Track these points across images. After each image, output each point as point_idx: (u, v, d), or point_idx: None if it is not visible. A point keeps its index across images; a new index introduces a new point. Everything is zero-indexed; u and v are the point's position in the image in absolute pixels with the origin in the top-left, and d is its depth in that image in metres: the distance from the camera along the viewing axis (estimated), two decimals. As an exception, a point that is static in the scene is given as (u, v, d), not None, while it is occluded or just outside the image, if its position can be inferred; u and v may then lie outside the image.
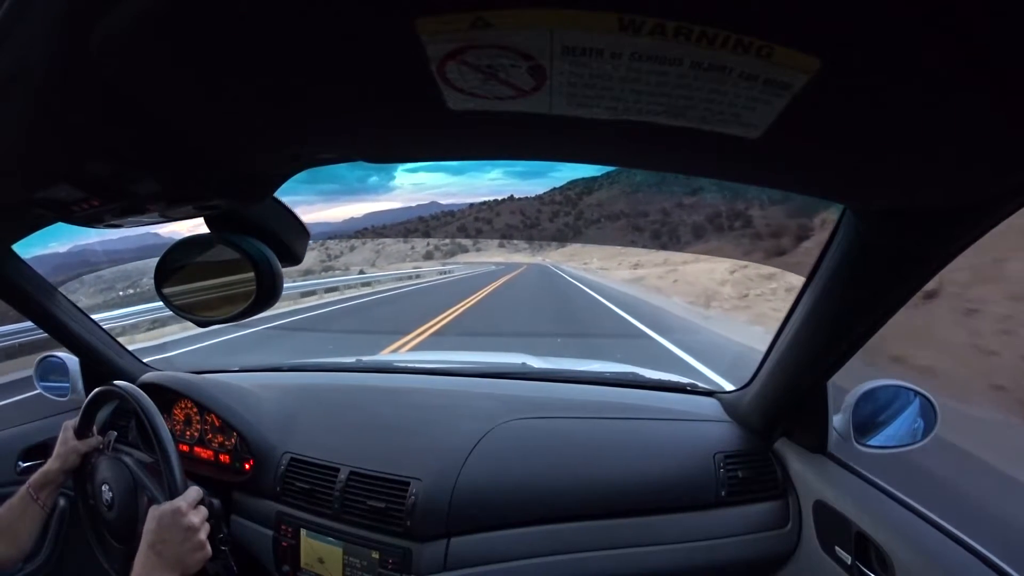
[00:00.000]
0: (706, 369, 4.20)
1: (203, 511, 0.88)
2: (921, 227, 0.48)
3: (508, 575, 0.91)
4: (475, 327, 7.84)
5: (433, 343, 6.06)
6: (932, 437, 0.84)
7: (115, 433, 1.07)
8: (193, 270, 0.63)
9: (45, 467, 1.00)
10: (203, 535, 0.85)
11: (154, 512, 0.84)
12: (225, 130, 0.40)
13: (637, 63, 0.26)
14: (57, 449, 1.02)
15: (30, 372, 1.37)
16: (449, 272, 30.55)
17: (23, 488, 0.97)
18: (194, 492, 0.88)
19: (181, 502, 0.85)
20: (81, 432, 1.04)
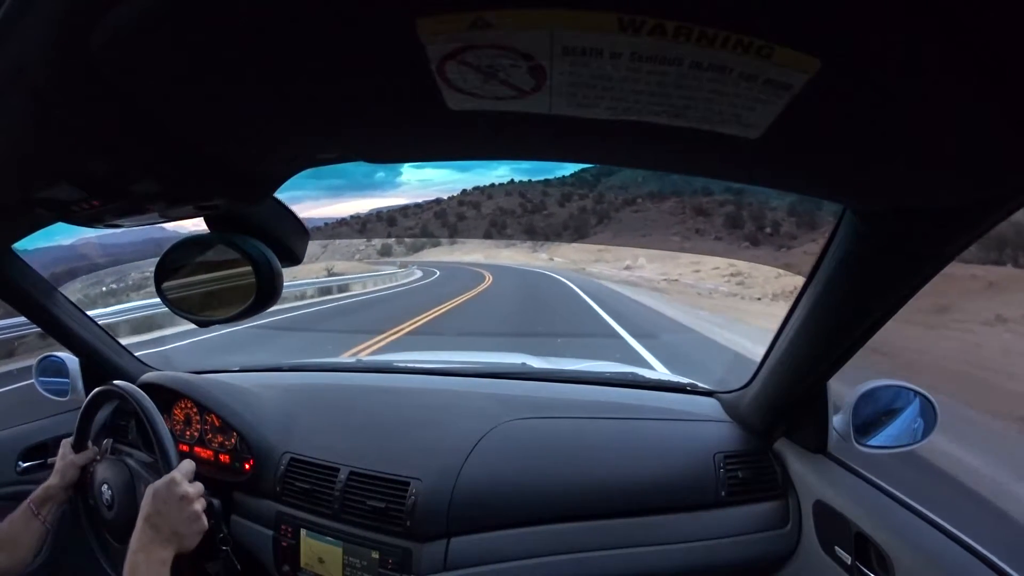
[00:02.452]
0: None
1: (199, 485, 0.88)
2: (921, 227, 0.48)
3: (508, 575, 0.91)
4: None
5: (431, 343, 5.93)
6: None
7: (111, 440, 1.08)
8: (193, 270, 0.63)
9: (46, 483, 1.00)
10: (199, 506, 0.85)
11: (150, 488, 0.85)
12: (225, 130, 0.40)
13: (637, 63, 0.26)
14: (56, 465, 1.03)
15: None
16: (340, 291, 14.30)
17: (24, 503, 0.98)
18: (188, 464, 0.89)
19: (176, 473, 0.86)
20: (78, 446, 1.05)
